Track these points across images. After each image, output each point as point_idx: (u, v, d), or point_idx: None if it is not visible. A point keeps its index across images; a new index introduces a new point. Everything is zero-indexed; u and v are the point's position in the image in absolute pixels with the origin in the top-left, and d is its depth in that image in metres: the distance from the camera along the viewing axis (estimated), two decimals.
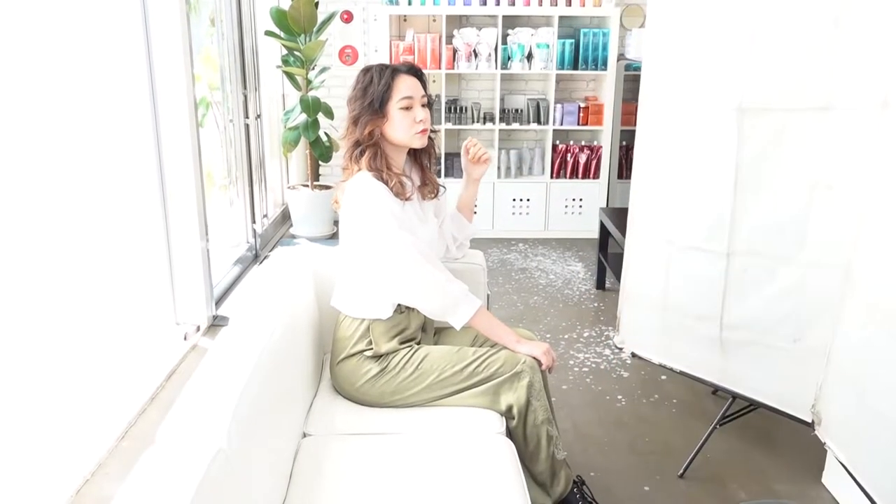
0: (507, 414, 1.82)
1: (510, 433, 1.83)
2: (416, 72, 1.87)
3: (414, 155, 1.98)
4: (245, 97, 3.89)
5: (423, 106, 1.86)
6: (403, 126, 1.84)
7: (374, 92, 1.82)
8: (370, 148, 1.84)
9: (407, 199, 1.86)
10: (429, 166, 2.00)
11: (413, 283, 1.80)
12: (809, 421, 1.94)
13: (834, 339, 1.83)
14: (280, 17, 4.04)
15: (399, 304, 1.86)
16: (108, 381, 2.30)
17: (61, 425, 2.03)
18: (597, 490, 2.07)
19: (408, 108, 1.83)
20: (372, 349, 1.84)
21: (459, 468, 1.60)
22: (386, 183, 1.82)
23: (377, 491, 1.53)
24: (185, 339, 2.79)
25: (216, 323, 3.00)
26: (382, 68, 1.85)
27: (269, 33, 4.07)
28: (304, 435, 1.76)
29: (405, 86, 1.83)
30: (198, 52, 3.47)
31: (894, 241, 1.60)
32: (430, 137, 1.95)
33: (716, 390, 2.69)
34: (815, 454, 2.23)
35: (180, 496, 1.02)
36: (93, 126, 2.31)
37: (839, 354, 1.81)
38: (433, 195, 1.99)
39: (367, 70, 1.87)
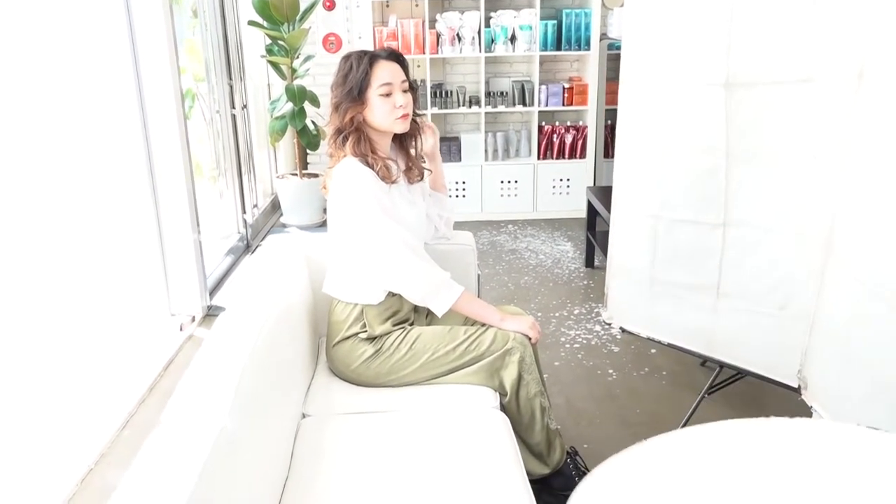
0: (501, 389, 1.87)
1: (504, 408, 1.88)
2: (396, 57, 1.89)
3: (400, 140, 2.00)
4: (231, 88, 3.89)
5: (404, 91, 1.87)
6: (383, 112, 1.85)
7: (353, 79, 1.84)
8: (353, 133, 1.86)
9: (393, 183, 1.89)
10: (414, 151, 2.02)
11: (396, 271, 1.84)
12: (796, 386, 2.00)
13: (818, 306, 1.88)
14: (263, 6, 4.03)
15: None
16: (107, 373, 2.33)
17: (63, 418, 2.07)
18: (590, 460, 2.13)
19: (387, 95, 1.85)
20: (366, 332, 1.88)
21: (456, 443, 1.64)
22: (372, 167, 1.85)
23: (376, 466, 1.57)
24: (180, 329, 2.82)
25: (211, 313, 3.02)
26: (361, 55, 1.86)
27: (252, 23, 4.07)
28: (304, 415, 1.80)
29: (384, 72, 1.84)
30: (181, 43, 3.47)
31: (872, 211, 1.64)
32: (415, 122, 1.97)
33: (704, 361, 2.75)
34: None
35: (187, 473, 1.06)
36: (81, 122, 2.32)
37: (826, 322, 1.86)
38: (419, 178, 2.02)
39: (347, 57, 1.88)
